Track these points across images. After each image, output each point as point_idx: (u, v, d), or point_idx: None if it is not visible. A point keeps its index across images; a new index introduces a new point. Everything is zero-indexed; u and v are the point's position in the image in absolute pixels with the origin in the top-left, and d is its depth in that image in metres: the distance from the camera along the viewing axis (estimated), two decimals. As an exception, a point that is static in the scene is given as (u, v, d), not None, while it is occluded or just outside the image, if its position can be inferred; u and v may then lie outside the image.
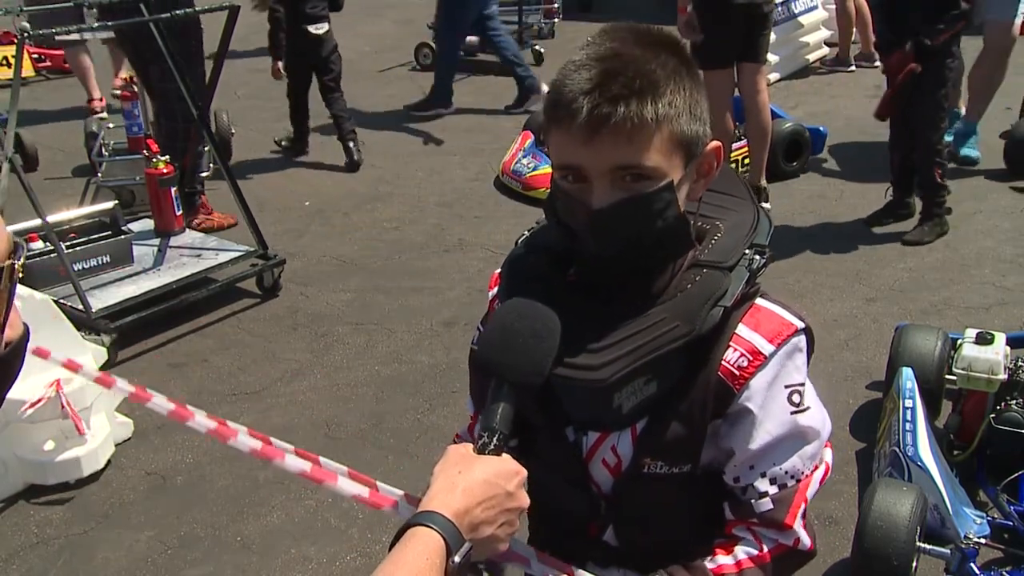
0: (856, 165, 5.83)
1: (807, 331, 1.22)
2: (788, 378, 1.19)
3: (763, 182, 5.16)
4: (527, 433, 1.36)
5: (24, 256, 0.76)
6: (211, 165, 5.32)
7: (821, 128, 5.93)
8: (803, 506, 1.20)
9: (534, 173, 5.54)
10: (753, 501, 1.20)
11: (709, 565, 1.20)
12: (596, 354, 1.13)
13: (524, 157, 5.71)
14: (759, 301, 1.21)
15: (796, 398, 1.19)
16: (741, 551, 1.20)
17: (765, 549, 1.20)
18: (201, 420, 1.46)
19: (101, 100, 7.63)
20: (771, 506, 1.19)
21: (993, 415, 2.84)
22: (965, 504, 2.63)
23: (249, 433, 1.41)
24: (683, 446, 1.20)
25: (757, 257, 1.19)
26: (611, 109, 1.06)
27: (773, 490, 1.19)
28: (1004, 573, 2.48)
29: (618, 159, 1.10)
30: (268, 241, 4.48)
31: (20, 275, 0.76)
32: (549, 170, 5.53)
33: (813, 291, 4.33)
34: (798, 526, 1.19)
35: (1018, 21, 5.29)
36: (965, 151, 5.58)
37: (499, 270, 1.31)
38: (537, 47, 8.63)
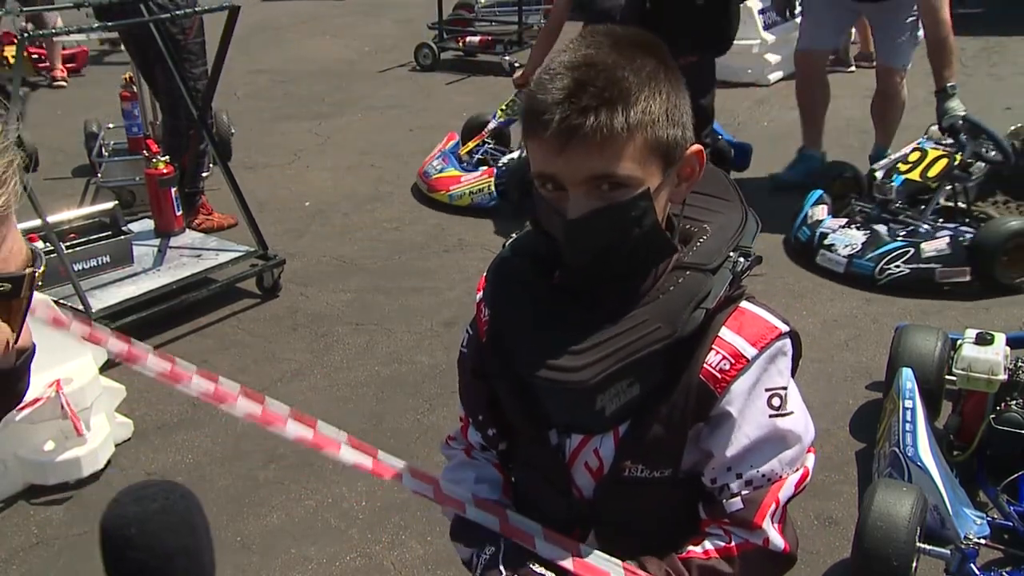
0: (856, 165, 5.82)
1: (792, 335, 1.22)
2: (770, 382, 1.19)
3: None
4: (512, 437, 1.36)
5: (44, 265, 0.76)
6: (211, 165, 5.32)
7: (745, 143, 5.58)
8: (774, 506, 1.19)
9: (440, 175, 5.50)
10: (725, 501, 1.20)
11: (678, 554, 1.22)
12: (578, 356, 1.13)
13: (438, 158, 5.68)
14: (744, 304, 1.21)
15: (776, 401, 1.19)
16: (709, 543, 1.21)
17: (733, 543, 1.20)
18: (197, 381, 1.46)
19: (63, 70, 8.23)
20: (741, 506, 1.19)
21: (993, 415, 2.84)
22: (965, 504, 2.63)
23: (245, 394, 1.40)
24: (664, 449, 1.20)
25: (741, 259, 1.18)
26: (581, 120, 1.07)
27: (746, 491, 1.19)
28: (1004, 573, 2.48)
29: (591, 169, 1.10)
30: (268, 241, 4.48)
31: (39, 284, 0.75)
32: (455, 173, 5.51)
33: (813, 291, 4.33)
34: (767, 526, 1.19)
35: (908, 67, 5.24)
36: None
37: (485, 274, 1.31)
38: (537, 47, 8.62)
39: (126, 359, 1.46)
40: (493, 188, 5.26)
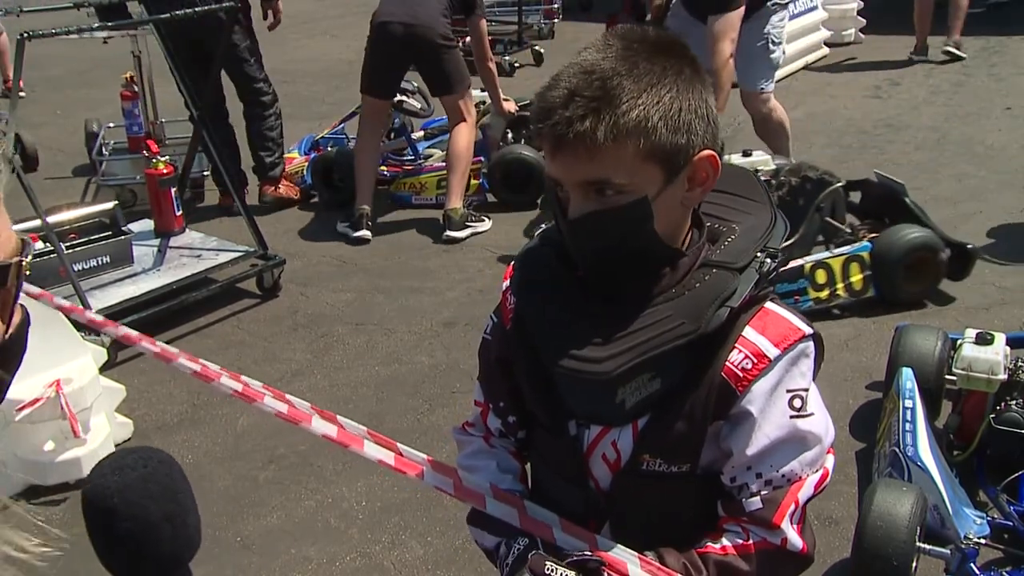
0: (856, 165, 5.83)
1: (816, 338, 1.22)
2: (791, 383, 1.19)
3: (457, 203, 4.99)
4: (531, 428, 1.37)
5: (31, 253, 0.76)
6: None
7: None
8: (794, 507, 1.20)
9: (286, 155, 5.75)
10: (744, 500, 1.21)
11: (696, 548, 1.22)
12: (601, 347, 1.14)
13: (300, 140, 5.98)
14: (768, 305, 1.21)
15: (797, 403, 1.19)
16: (727, 539, 1.22)
17: (751, 541, 1.21)
18: (227, 381, 1.47)
19: (7, 83, 7.60)
20: (760, 505, 1.20)
21: (993, 415, 2.84)
22: (965, 504, 2.63)
23: (274, 395, 1.42)
24: (683, 445, 1.20)
25: (768, 260, 1.19)
26: (566, 129, 1.09)
27: (765, 491, 1.20)
28: (1004, 573, 2.48)
29: (581, 175, 1.13)
30: (268, 241, 4.48)
31: (27, 272, 0.76)
32: (292, 155, 5.71)
33: (813, 291, 4.32)
34: (786, 526, 1.19)
35: (769, 89, 4.97)
36: None
37: (514, 262, 1.33)
38: (537, 47, 8.63)
39: (161, 358, 1.49)
40: (306, 172, 5.54)
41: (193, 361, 1.49)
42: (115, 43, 5.82)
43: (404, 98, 5.50)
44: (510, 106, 5.67)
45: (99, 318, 1.71)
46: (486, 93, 5.49)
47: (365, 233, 5.03)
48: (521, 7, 9.00)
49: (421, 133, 5.99)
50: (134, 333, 1.61)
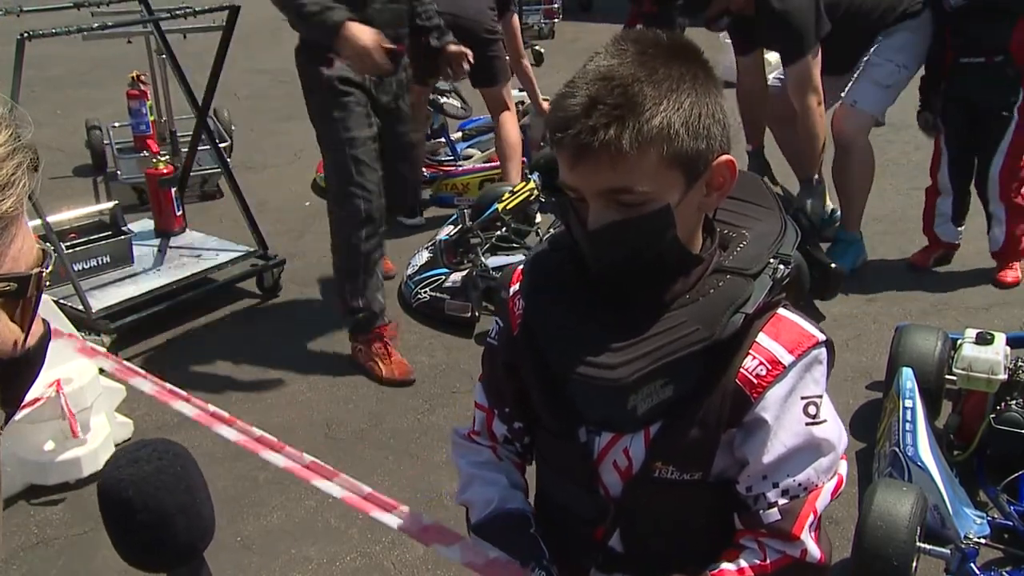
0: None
1: (828, 344, 1.22)
2: (805, 390, 1.18)
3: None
4: (536, 433, 1.36)
5: (52, 264, 0.76)
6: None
7: None
8: (812, 517, 1.19)
9: None
10: (761, 511, 1.19)
11: (711, 570, 1.20)
12: (614, 354, 1.13)
13: None
14: (781, 311, 1.20)
15: (812, 410, 1.18)
16: (744, 559, 1.20)
17: (768, 560, 1.19)
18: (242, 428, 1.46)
19: None
20: (778, 516, 1.18)
21: (993, 415, 2.84)
22: (965, 504, 2.63)
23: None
24: (696, 452, 1.19)
25: (781, 267, 1.18)
26: (590, 138, 1.07)
27: (783, 501, 1.18)
28: (1004, 573, 2.48)
29: (603, 183, 1.11)
30: (268, 241, 4.48)
31: (47, 284, 0.76)
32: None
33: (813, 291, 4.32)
34: (806, 536, 1.18)
35: (868, 109, 4.29)
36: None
37: (521, 267, 1.32)
38: (537, 47, 8.63)
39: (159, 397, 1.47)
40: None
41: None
42: (115, 43, 5.82)
43: (443, 99, 5.43)
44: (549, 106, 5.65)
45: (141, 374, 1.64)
46: (524, 93, 5.45)
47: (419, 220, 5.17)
48: (521, 7, 9.00)
49: (459, 134, 5.94)
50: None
